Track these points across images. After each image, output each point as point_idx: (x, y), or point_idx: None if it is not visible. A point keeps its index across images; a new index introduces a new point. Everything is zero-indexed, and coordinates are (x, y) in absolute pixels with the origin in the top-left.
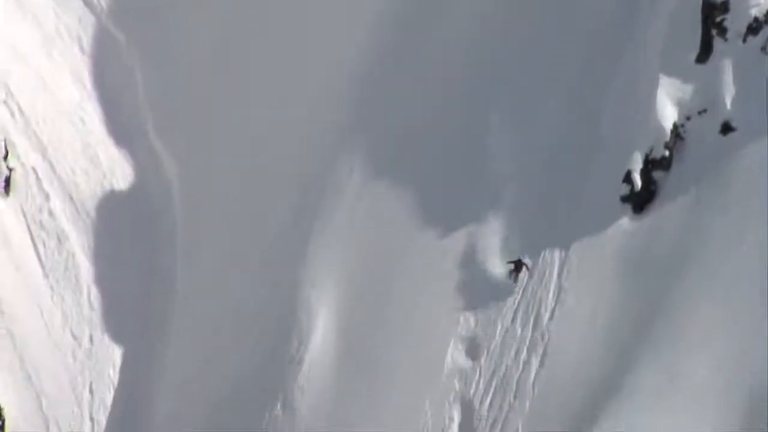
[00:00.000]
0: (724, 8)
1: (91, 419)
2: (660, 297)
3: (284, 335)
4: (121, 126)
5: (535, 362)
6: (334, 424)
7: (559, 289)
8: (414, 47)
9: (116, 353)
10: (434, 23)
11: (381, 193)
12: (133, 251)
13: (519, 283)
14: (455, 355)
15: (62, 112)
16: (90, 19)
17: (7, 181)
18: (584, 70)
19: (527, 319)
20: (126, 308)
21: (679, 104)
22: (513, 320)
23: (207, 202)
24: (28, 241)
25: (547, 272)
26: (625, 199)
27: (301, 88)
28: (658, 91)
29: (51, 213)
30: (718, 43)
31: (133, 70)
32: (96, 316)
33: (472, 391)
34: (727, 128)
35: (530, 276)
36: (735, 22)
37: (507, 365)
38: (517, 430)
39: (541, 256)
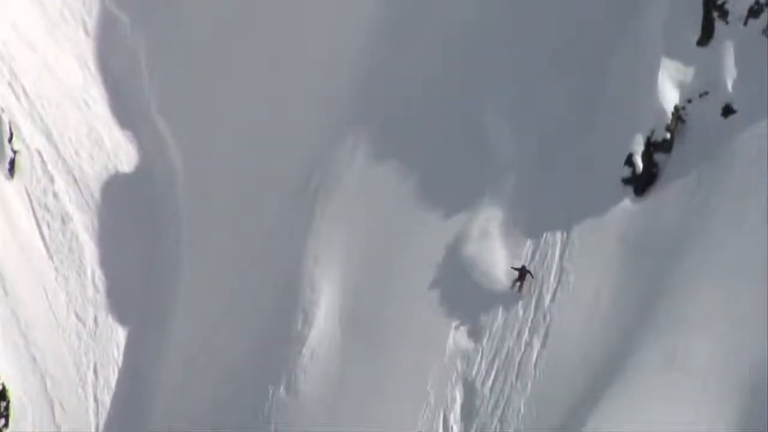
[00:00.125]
0: None
1: (96, 400)
2: (661, 278)
3: (288, 313)
4: (125, 109)
5: (537, 343)
6: (337, 404)
7: (561, 270)
8: (414, 35)
9: (120, 334)
10: (434, 9)
11: (382, 175)
12: (136, 232)
13: (522, 262)
14: (457, 337)
15: (67, 96)
16: (95, 3)
17: (12, 163)
18: (586, 54)
19: (529, 301)
20: (130, 289)
21: (681, 87)
22: (515, 301)
23: (210, 184)
24: (33, 222)
25: (549, 254)
26: (626, 182)
27: (304, 72)
28: (660, 74)
29: (55, 195)
30: (719, 26)
31: (137, 53)
32: (100, 297)
33: (474, 372)
34: (728, 110)
35: (532, 257)
36: (736, 5)
37: (509, 346)
38: (519, 410)
39: (543, 237)
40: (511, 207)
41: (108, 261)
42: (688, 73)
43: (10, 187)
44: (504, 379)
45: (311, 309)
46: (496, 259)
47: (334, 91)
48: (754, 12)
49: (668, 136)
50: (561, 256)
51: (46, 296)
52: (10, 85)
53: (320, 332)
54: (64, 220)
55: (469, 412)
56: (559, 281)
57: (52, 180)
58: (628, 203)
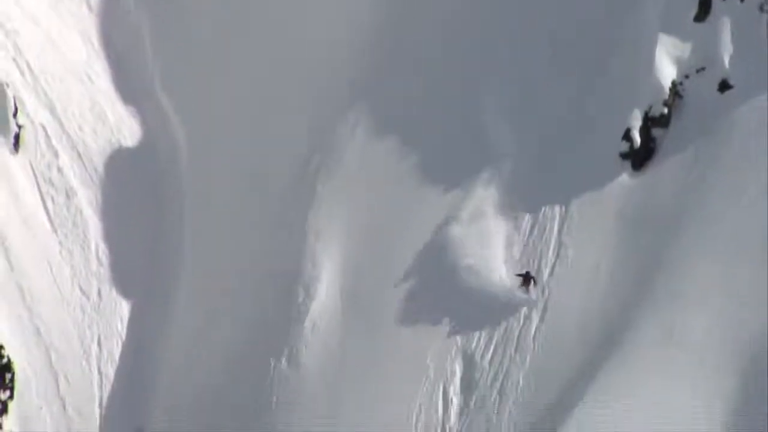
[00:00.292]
0: None
1: (100, 372)
2: (659, 253)
3: (290, 288)
4: (129, 84)
5: (535, 317)
6: (337, 377)
7: (560, 244)
8: (415, 19)
9: (124, 307)
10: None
11: (383, 152)
12: (140, 207)
13: (520, 237)
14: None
15: (70, 70)
16: None
17: (17, 137)
18: (585, 32)
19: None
20: (133, 263)
21: (678, 62)
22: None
23: (213, 159)
24: (38, 197)
25: (548, 228)
26: (624, 156)
27: (307, 51)
28: (657, 49)
29: (60, 169)
30: (716, 2)
31: (140, 29)
32: (104, 271)
33: (473, 346)
34: (724, 86)
35: (531, 232)
36: None
37: (508, 320)
38: (518, 383)
39: (542, 211)
40: (510, 182)
41: (112, 235)
42: (685, 49)
43: (15, 162)
44: (503, 353)
45: (313, 283)
46: (495, 233)
47: (336, 70)
48: None
49: (666, 111)
50: (560, 231)
51: (51, 270)
52: (14, 60)
53: (321, 306)
54: (69, 194)
55: (468, 385)
56: (557, 256)
57: (56, 154)
58: (626, 178)
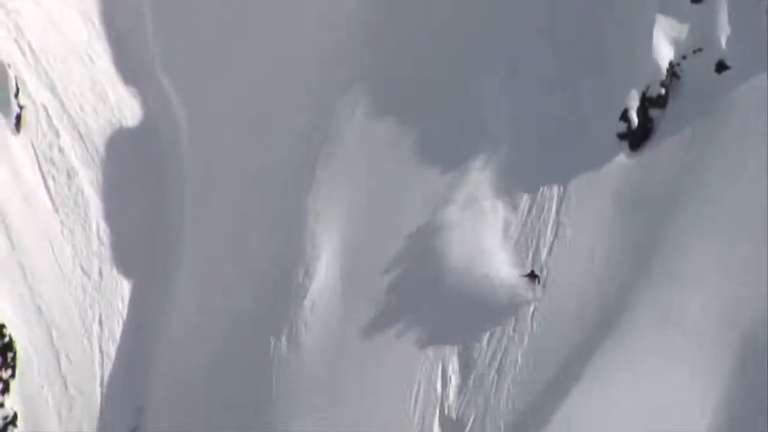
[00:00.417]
0: None
1: (101, 351)
2: (656, 234)
3: (289, 267)
4: (130, 65)
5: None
6: (337, 357)
7: (558, 224)
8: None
9: (125, 287)
10: None
11: (383, 132)
12: (141, 187)
13: (518, 217)
14: None
15: (72, 51)
16: None
17: (18, 118)
18: (581, 12)
19: (526, 254)
20: (134, 243)
21: (675, 43)
22: (512, 254)
23: (214, 139)
24: (39, 176)
25: (546, 208)
26: (622, 137)
27: (306, 31)
28: (655, 30)
29: (61, 149)
30: None
31: (141, 9)
32: (105, 250)
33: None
34: (722, 66)
35: (529, 212)
36: None
37: (506, 305)
38: (516, 361)
39: (540, 191)
40: (508, 162)
41: (113, 215)
42: (682, 30)
43: (17, 142)
44: (501, 332)
45: (312, 263)
46: (493, 215)
47: (335, 50)
48: None
49: (663, 91)
50: (558, 210)
51: (52, 249)
52: (15, 41)
53: (321, 285)
54: (70, 174)
55: (466, 364)
56: (556, 235)
57: (57, 134)
58: (623, 158)
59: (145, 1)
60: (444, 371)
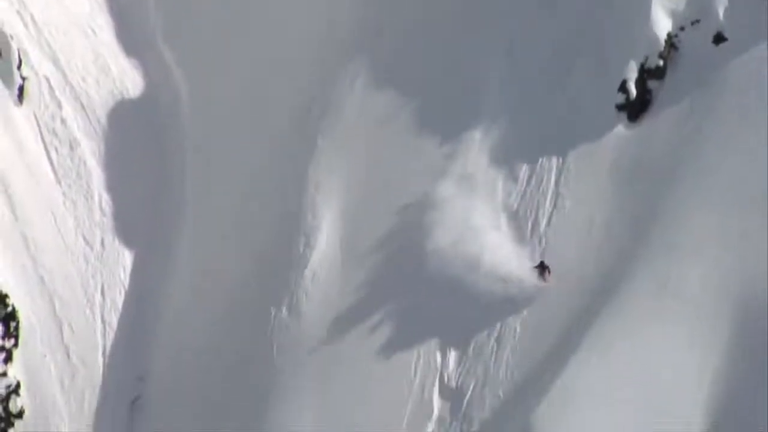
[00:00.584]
0: None
1: (103, 321)
2: (655, 204)
3: (290, 238)
4: (131, 37)
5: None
6: (338, 327)
7: (557, 195)
8: None
9: (127, 257)
10: None
11: (382, 104)
12: (143, 158)
13: (518, 188)
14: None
15: (74, 23)
16: None
17: (21, 89)
18: None
19: (525, 224)
20: (136, 213)
21: (673, 15)
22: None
23: (214, 111)
24: (42, 148)
25: (545, 179)
26: (620, 108)
27: (307, 6)
28: (653, 1)
29: (63, 121)
30: None
31: None
32: (107, 221)
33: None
34: (719, 38)
35: (528, 183)
36: None
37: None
38: (515, 330)
39: (539, 163)
40: (507, 133)
41: (115, 186)
42: (680, 2)
43: (19, 113)
44: (501, 303)
45: (313, 233)
46: (493, 184)
47: (335, 23)
48: None
49: (661, 63)
50: (557, 182)
51: (55, 220)
52: (18, 13)
53: (321, 255)
54: (72, 145)
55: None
56: (554, 206)
57: (60, 106)
58: (622, 129)
59: None
60: (443, 341)
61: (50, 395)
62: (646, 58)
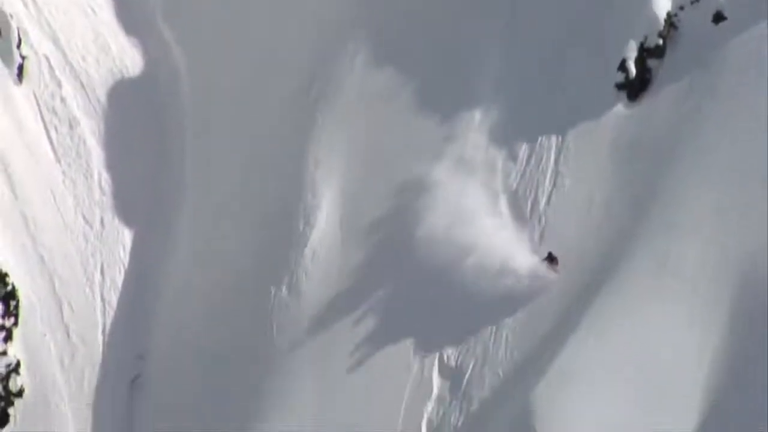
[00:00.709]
0: None
1: (103, 300)
2: (654, 183)
3: (290, 216)
4: (131, 16)
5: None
6: (338, 305)
7: (556, 174)
8: None
9: (126, 236)
10: None
11: (383, 81)
12: (142, 137)
13: (517, 166)
14: None
15: (74, 2)
16: None
17: (20, 68)
18: None
19: (524, 203)
20: (136, 192)
21: None
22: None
23: (214, 90)
24: (41, 127)
25: (545, 157)
26: (620, 87)
27: None
28: None
29: (63, 100)
30: None
31: None
32: (107, 200)
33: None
34: (719, 17)
35: (527, 161)
36: None
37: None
38: (514, 311)
39: (538, 141)
40: (507, 112)
41: (114, 165)
42: None
43: (19, 92)
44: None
45: (313, 212)
46: (492, 162)
47: (336, 4)
48: None
49: (661, 42)
50: (556, 160)
51: (54, 199)
52: None
53: (321, 234)
54: (72, 124)
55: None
56: (554, 185)
57: (59, 85)
58: (621, 108)
59: None
60: (442, 321)
61: (50, 374)
62: (646, 38)
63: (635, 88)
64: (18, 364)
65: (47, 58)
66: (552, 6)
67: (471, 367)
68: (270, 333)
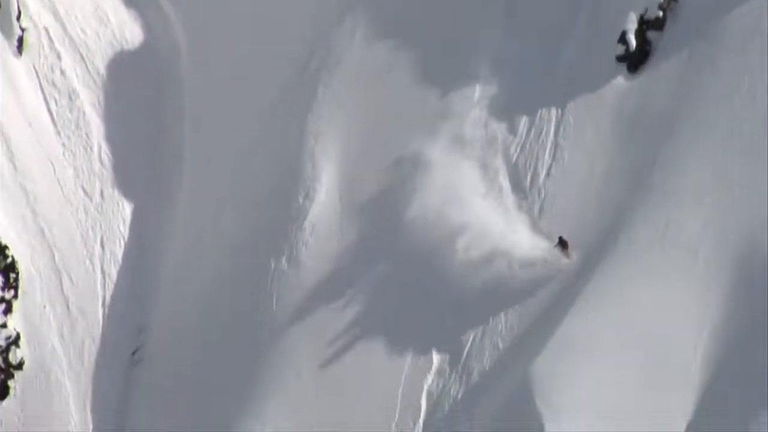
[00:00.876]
0: None
1: (103, 272)
2: (654, 154)
3: (289, 189)
4: None
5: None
6: (335, 279)
7: (556, 146)
8: None
9: (126, 208)
10: None
11: (382, 56)
12: (142, 109)
13: (517, 138)
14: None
15: None
16: None
17: (20, 40)
18: None
19: (524, 176)
20: (135, 164)
21: None
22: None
23: (213, 62)
24: (41, 99)
25: (545, 130)
26: (620, 59)
27: None
28: None
29: (62, 72)
30: None
31: None
32: (106, 172)
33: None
34: None
35: (527, 134)
36: None
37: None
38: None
39: (538, 114)
40: (507, 85)
41: (114, 137)
42: None
43: (19, 64)
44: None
45: (312, 185)
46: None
47: None
48: None
49: (661, 14)
50: (556, 133)
51: (54, 171)
52: None
53: (321, 207)
54: (71, 96)
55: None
56: (553, 157)
57: (59, 57)
58: (621, 80)
59: None
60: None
61: (50, 346)
62: (646, 10)
63: (635, 60)
64: (18, 337)
65: (47, 31)
66: None
67: (471, 339)
68: (270, 304)
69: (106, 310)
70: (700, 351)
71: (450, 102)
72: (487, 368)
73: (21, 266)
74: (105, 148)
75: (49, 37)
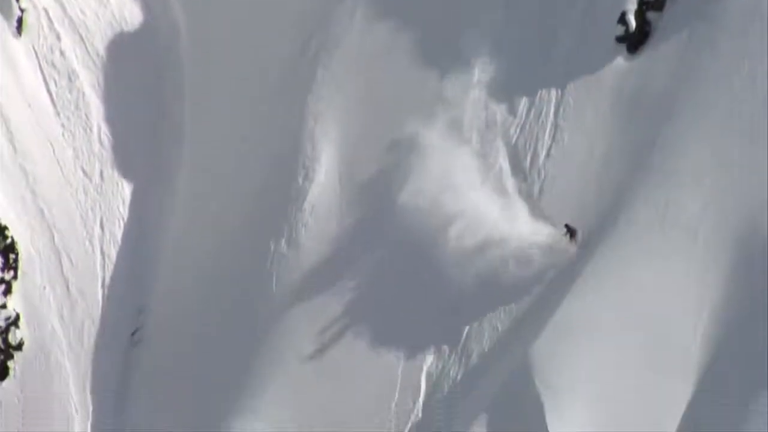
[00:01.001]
0: None
1: (102, 253)
2: (654, 135)
3: (289, 170)
4: None
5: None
6: (335, 260)
7: (556, 127)
8: None
9: (126, 189)
10: None
11: (382, 37)
12: (141, 90)
13: (517, 119)
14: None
15: None
16: None
17: (19, 21)
18: None
19: (524, 157)
20: (135, 145)
21: None
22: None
23: (213, 42)
24: (40, 80)
25: (544, 111)
26: (620, 40)
27: None
28: None
29: (62, 53)
30: None
31: None
32: (106, 153)
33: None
34: None
35: (527, 115)
36: None
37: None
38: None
39: (538, 94)
40: (506, 66)
41: (113, 118)
42: None
43: (18, 45)
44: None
45: (312, 166)
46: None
47: None
48: None
49: None
50: (556, 113)
51: (54, 152)
52: None
53: (320, 188)
54: (71, 77)
55: None
56: (553, 138)
57: (58, 38)
58: (621, 61)
59: None
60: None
61: (49, 327)
62: None
63: (635, 41)
64: (17, 317)
65: (46, 11)
66: None
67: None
68: (269, 286)
69: (106, 290)
70: (700, 332)
71: (448, 84)
72: (486, 350)
73: (20, 247)
74: (104, 128)
75: (49, 18)
